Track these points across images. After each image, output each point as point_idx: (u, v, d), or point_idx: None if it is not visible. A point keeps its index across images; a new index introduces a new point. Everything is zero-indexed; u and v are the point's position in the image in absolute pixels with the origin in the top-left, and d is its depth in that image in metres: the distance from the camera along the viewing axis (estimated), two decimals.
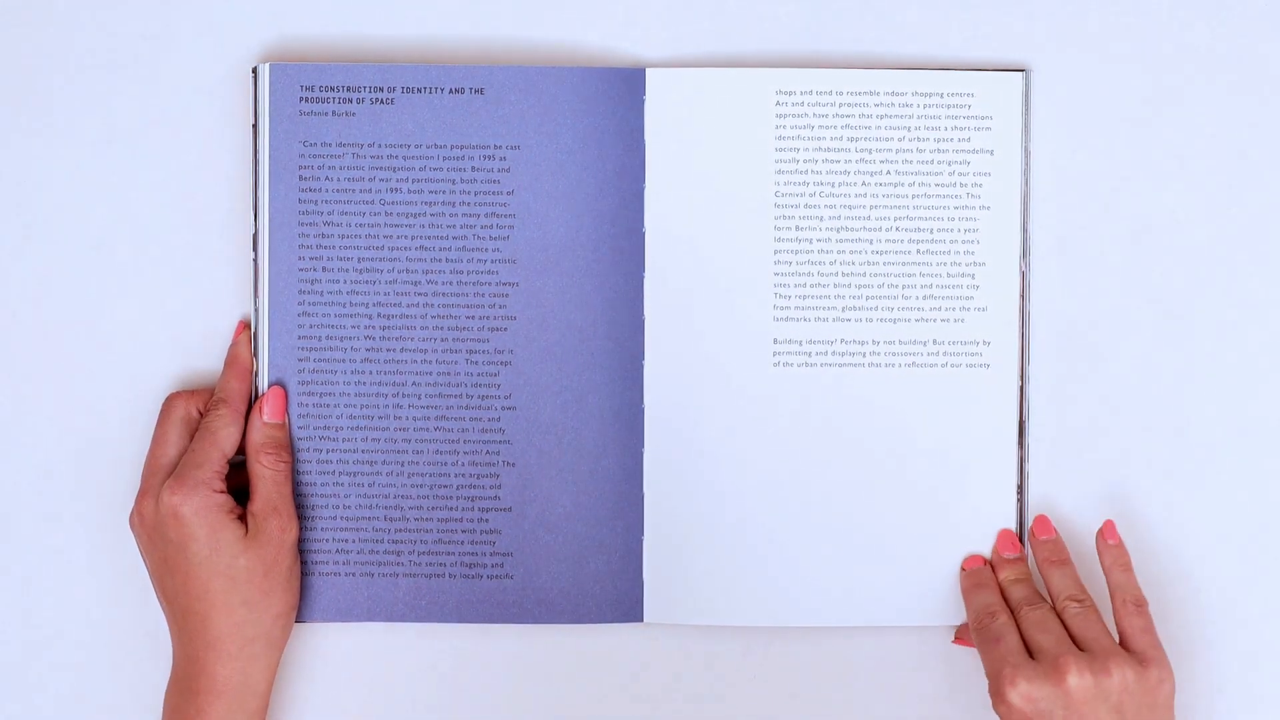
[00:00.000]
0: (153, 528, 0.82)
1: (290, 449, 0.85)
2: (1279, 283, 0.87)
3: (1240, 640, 0.87)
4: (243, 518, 0.83)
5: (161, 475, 0.83)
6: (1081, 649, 0.80)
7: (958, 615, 0.86)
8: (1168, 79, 0.88)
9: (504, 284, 0.86)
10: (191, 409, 0.85)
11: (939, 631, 0.86)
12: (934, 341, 0.87)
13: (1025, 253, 0.86)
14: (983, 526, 0.87)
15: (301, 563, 0.86)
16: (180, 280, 0.87)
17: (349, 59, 0.87)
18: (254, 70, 0.85)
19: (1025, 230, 0.86)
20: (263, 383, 0.85)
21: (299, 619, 0.86)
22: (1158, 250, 0.87)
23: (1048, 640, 0.80)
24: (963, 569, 0.86)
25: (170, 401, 0.85)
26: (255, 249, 0.85)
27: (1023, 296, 0.86)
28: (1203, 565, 0.87)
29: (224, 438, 0.83)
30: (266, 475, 0.84)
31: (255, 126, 0.85)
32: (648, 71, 0.86)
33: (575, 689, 0.87)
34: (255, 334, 0.86)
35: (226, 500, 0.82)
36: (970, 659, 0.86)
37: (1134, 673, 0.78)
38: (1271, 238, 0.88)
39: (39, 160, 0.87)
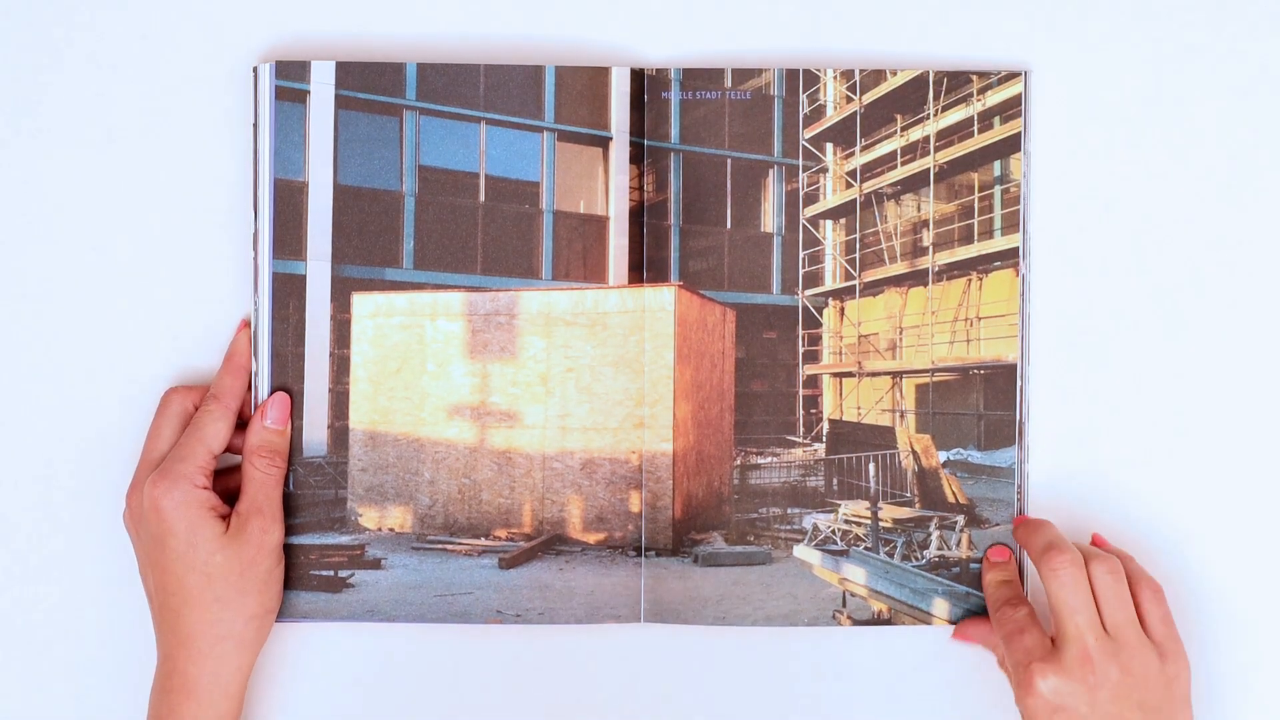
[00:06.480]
0: (138, 520, 0.82)
1: (287, 456, 0.85)
2: (1279, 283, 0.87)
3: (1241, 640, 0.87)
4: (226, 516, 0.82)
5: (151, 469, 0.82)
6: (1107, 629, 0.80)
7: (957, 612, 0.86)
8: (1168, 79, 0.88)
9: None
10: (188, 404, 0.84)
11: (939, 630, 0.86)
12: None
13: (1025, 253, 0.86)
14: None
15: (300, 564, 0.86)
16: (180, 280, 0.87)
17: (349, 59, 0.87)
18: (254, 70, 0.85)
19: (1025, 230, 0.86)
20: (262, 381, 0.85)
21: (297, 618, 0.85)
22: (1158, 250, 0.87)
23: (1077, 623, 0.79)
24: (987, 558, 0.86)
25: (167, 396, 0.85)
26: (255, 249, 0.85)
27: (1023, 296, 0.86)
28: (1202, 565, 0.87)
29: (211, 434, 0.83)
30: (257, 477, 0.83)
31: (255, 126, 0.85)
32: None
33: (575, 689, 0.87)
34: (255, 333, 0.85)
35: (209, 496, 0.81)
36: (971, 657, 0.86)
37: (1156, 666, 0.79)
38: (1271, 238, 0.87)
39: (39, 160, 0.87)
